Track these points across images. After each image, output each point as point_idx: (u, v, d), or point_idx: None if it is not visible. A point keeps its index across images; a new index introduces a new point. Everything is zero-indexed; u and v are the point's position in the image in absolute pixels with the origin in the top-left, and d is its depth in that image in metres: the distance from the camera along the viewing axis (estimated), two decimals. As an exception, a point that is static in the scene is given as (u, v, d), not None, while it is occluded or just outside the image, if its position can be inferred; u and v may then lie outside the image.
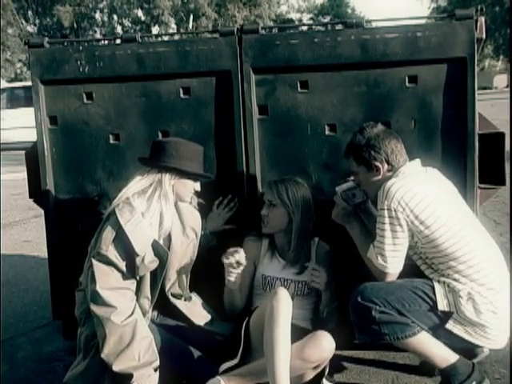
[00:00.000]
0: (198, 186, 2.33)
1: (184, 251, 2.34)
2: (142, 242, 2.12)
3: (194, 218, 2.40)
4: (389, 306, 2.18)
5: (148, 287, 2.23)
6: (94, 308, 2.07)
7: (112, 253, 2.09)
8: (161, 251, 2.19)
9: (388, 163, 2.26)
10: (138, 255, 2.10)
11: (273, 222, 2.48)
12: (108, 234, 2.10)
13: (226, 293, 2.46)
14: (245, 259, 2.31)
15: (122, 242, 2.10)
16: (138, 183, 2.22)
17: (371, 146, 2.25)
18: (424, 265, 2.28)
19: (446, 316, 2.17)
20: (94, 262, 2.09)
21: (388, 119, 2.48)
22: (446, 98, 2.46)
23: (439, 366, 2.25)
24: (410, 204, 2.14)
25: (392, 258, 2.21)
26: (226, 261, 2.30)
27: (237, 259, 2.29)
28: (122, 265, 2.10)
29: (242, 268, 2.32)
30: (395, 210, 2.15)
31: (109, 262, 2.09)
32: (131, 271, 2.12)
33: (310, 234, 2.51)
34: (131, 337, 2.06)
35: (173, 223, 2.29)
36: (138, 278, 2.16)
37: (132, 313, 2.10)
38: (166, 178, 2.22)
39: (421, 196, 2.16)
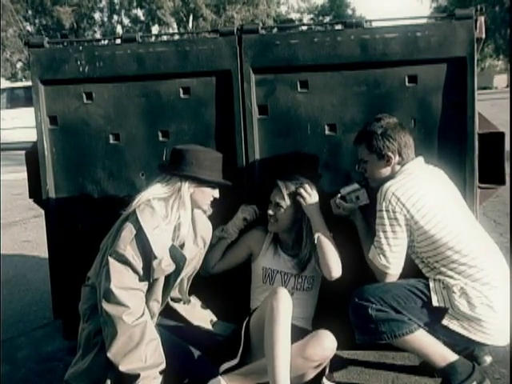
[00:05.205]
0: (216, 193, 2.34)
1: (191, 259, 2.34)
2: (160, 245, 2.13)
3: (206, 228, 2.42)
4: (385, 303, 2.21)
5: (160, 291, 2.23)
6: (106, 306, 2.06)
7: (130, 253, 2.09)
8: (178, 256, 2.20)
9: (400, 155, 2.30)
10: (155, 258, 2.10)
11: (280, 222, 2.49)
12: (127, 233, 2.10)
13: (216, 245, 2.56)
14: (251, 215, 2.54)
15: (141, 243, 2.10)
16: (159, 190, 2.23)
17: (387, 136, 2.28)
18: (421, 263, 2.31)
19: (442, 312, 2.19)
20: (111, 260, 2.09)
21: (388, 119, 2.49)
22: (446, 98, 2.46)
23: (438, 365, 2.25)
24: (406, 205, 2.18)
25: (393, 258, 2.25)
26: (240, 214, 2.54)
27: (245, 216, 2.53)
28: (139, 266, 2.10)
29: (241, 223, 2.55)
30: (393, 212, 2.18)
31: (125, 262, 2.08)
32: (146, 273, 2.12)
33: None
34: (140, 338, 2.06)
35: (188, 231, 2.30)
36: (151, 280, 2.15)
37: (142, 314, 2.10)
38: (186, 186, 2.23)
39: (417, 196, 2.19)
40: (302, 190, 2.43)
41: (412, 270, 2.32)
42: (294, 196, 2.45)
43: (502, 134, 2.50)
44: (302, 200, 2.43)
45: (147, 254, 2.10)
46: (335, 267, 2.36)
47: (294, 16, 45.43)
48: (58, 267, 2.78)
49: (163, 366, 2.11)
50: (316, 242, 2.39)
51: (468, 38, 2.40)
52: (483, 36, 2.45)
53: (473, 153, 2.45)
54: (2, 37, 29.36)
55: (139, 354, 2.06)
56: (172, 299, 2.44)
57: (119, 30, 36.46)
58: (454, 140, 2.47)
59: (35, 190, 2.80)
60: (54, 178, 2.74)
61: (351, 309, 2.27)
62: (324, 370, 2.29)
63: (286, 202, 2.46)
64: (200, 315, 2.51)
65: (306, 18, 48.36)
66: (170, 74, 2.61)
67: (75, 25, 34.45)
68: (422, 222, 2.19)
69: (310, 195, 2.43)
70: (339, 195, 2.44)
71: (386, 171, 2.33)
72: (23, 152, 2.92)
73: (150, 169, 2.65)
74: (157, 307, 2.26)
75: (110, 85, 2.66)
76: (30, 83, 2.81)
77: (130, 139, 2.68)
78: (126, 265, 2.09)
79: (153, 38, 3.53)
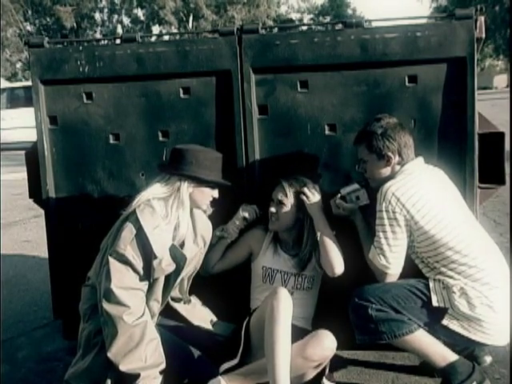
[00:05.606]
0: (216, 193, 2.35)
1: (191, 258, 2.35)
2: (160, 244, 2.13)
3: (206, 228, 2.43)
4: (384, 303, 2.21)
5: (160, 290, 2.23)
6: (106, 306, 2.06)
7: (130, 252, 2.09)
8: (178, 256, 2.20)
9: (399, 155, 2.30)
10: (156, 257, 2.10)
11: (282, 220, 2.49)
12: (127, 233, 2.11)
13: (216, 245, 2.56)
14: (251, 215, 2.54)
15: (141, 243, 2.10)
16: (159, 189, 2.23)
17: (387, 136, 2.28)
18: (421, 263, 2.31)
19: (442, 312, 2.19)
20: (111, 259, 2.09)
21: (388, 119, 2.48)
22: (446, 98, 2.46)
23: (438, 365, 2.25)
24: (406, 205, 2.18)
25: (393, 258, 2.25)
26: (241, 212, 2.53)
27: (246, 215, 2.52)
28: (139, 265, 2.10)
29: (241, 223, 2.54)
30: (393, 212, 2.19)
31: (126, 262, 2.09)
32: (147, 273, 2.12)
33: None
34: (140, 338, 2.06)
35: (187, 230, 2.30)
36: (151, 280, 2.16)
37: (143, 314, 2.10)
38: (185, 185, 2.23)
39: (417, 196, 2.20)
40: (305, 189, 2.44)
41: (412, 270, 2.32)
42: (297, 194, 2.45)
43: (502, 134, 2.50)
44: (305, 198, 2.43)
45: (147, 254, 2.10)
46: (338, 264, 2.37)
47: (294, 16, 45.51)
48: (58, 267, 2.78)
49: (163, 365, 2.11)
50: (319, 239, 2.40)
51: (468, 37, 2.40)
52: (483, 36, 2.45)
53: (473, 153, 2.45)
54: (2, 37, 29.38)
55: (139, 353, 2.06)
56: (172, 299, 2.44)
57: (119, 30, 36.49)
58: (454, 140, 2.47)
59: (35, 190, 2.80)
60: (54, 178, 2.74)
61: (351, 309, 2.28)
62: (324, 369, 2.29)
63: (289, 200, 2.46)
64: (200, 315, 2.51)
65: (306, 18, 48.41)
66: (170, 73, 2.61)
67: (75, 25, 34.48)
68: (422, 222, 2.19)
69: (314, 194, 2.43)
70: (339, 195, 2.45)
71: (386, 171, 2.33)
72: (23, 152, 2.92)
73: (149, 169, 2.65)
74: (157, 307, 2.26)
75: (109, 85, 2.66)
76: (30, 83, 2.81)
77: (129, 139, 2.68)
78: (127, 264, 2.09)
79: (153, 38, 3.53)
